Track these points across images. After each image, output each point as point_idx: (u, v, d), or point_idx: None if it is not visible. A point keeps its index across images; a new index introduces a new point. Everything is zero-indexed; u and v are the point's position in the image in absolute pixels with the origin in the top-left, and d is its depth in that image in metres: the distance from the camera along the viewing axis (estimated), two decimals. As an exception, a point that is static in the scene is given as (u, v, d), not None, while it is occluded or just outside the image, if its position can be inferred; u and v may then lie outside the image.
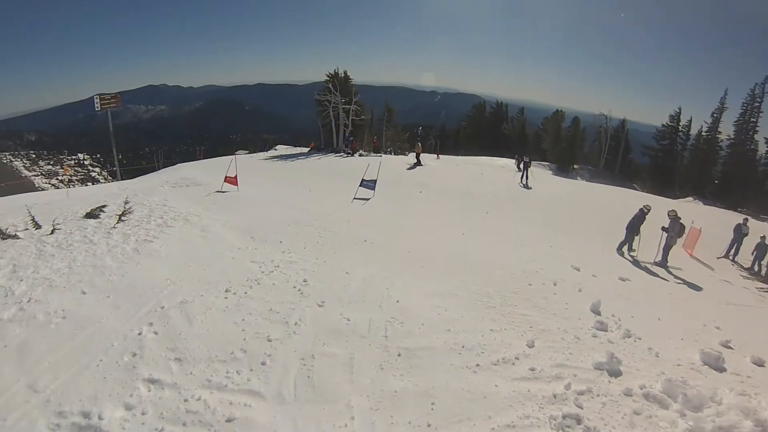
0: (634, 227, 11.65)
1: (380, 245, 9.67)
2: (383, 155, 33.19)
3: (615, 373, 4.98)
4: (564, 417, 4.17)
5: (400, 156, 35.00)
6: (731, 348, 6.05)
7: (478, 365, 5.06)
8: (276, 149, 38.33)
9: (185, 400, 4.32)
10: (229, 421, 4.09)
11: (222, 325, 5.67)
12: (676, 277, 10.39)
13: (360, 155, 32.02)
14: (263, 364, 4.92)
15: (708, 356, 5.42)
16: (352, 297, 6.67)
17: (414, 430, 4.09)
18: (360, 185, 15.84)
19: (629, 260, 11.21)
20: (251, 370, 4.82)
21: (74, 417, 4.04)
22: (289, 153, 34.08)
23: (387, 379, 4.79)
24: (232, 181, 15.43)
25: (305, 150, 36.18)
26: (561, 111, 51.49)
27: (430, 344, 5.43)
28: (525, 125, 56.79)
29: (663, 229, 11.54)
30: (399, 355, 5.20)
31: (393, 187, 18.01)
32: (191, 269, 7.48)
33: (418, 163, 27.23)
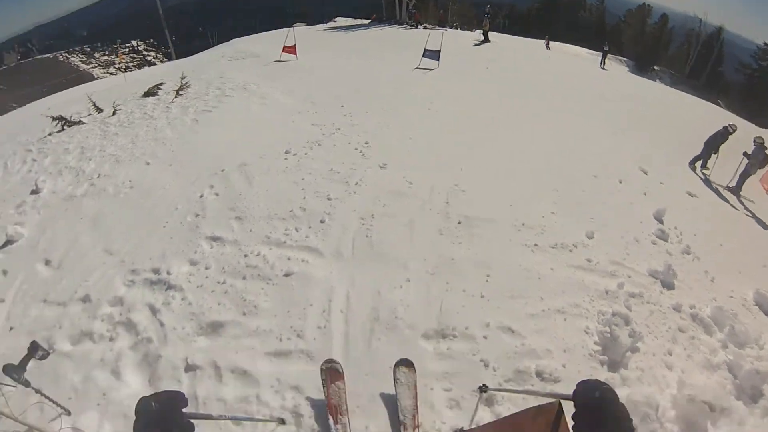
0: (713, 144, 10.52)
1: (445, 114, 9.17)
2: (448, 29, 31.02)
3: (668, 286, 4.82)
4: (613, 315, 4.09)
5: (466, 32, 32.70)
6: (785, 297, 5.59)
7: (536, 245, 4.93)
8: (335, 21, 36.41)
9: (245, 256, 4.50)
10: (287, 275, 4.26)
11: (281, 184, 5.74)
12: (746, 208, 9.38)
13: (424, 28, 29.97)
14: (322, 222, 4.99)
15: (762, 298, 5.07)
16: (414, 161, 6.50)
17: (467, 299, 4.12)
18: (423, 55, 14.62)
19: (700, 177, 10.19)
20: (310, 227, 4.91)
21: (146, 273, 4.41)
22: (349, 24, 32.38)
23: (445, 245, 4.78)
24: (290, 50, 14.66)
25: (366, 22, 34.26)
26: (648, 5, 45.66)
27: (491, 216, 5.31)
28: (604, 15, 51.19)
29: (745, 155, 10.35)
30: (459, 222, 5.13)
31: (458, 60, 16.63)
32: (250, 134, 7.50)
33: (486, 40, 25.37)
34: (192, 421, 1.44)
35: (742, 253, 6.18)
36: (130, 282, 4.33)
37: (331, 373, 3.27)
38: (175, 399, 1.39)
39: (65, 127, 8.97)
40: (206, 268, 4.39)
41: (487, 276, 4.39)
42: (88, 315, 4.01)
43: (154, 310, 4.00)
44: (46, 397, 2.94)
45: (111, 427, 3.11)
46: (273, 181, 5.84)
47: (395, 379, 3.27)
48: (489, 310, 4.03)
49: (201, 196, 5.59)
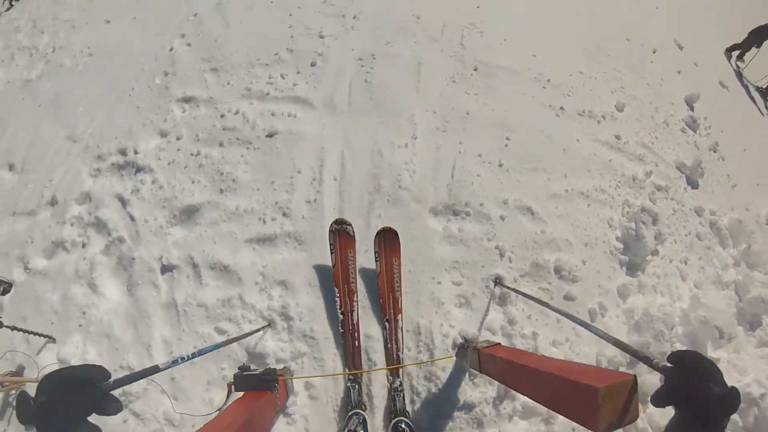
0: (759, 37, 8.84)
1: None
2: None
3: (693, 184, 4.30)
4: (642, 210, 3.46)
5: None
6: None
7: (562, 108, 4.06)
8: None
9: (222, 116, 3.67)
10: (270, 135, 3.50)
11: (265, 22, 4.64)
12: None
13: None
14: (313, 65, 4.04)
15: None
16: None
17: (484, 168, 3.39)
18: None
19: (734, 68, 8.69)
20: (298, 73, 3.98)
21: (113, 157, 3.62)
22: None
23: (459, 95, 3.91)
24: None
25: None
26: None
27: (512, 66, 4.34)
28: None
29: None
30: (476, 69, 4.18)
31: None
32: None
33: None
34: (114, 394, 0.98)
35: (762, 164, 5.45)
36: (96, 171, 3.57)
37: (342, 236, 2.72)
38: (71, 383, 0.93)
39: (13, 3, 7.29)
40: (178, 139, 3.58)
41: (507, 139, 3.59)
42: (58, 221, 3.34)
43: (123, 202, 3.30)
44: (27, 331, 2.63)
45: (94, 350, 2.75)
46: (255, 19, 4.68)
47: (376, 252, 2.77)
48: (507, 184, 3.33)
49: (170, 49, 4.51)
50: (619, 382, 1.26)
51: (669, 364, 1.04)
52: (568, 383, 1.44)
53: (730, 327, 3.22)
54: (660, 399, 1.02)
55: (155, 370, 1.28)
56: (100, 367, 0.98)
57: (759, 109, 8.04)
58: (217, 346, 1.97)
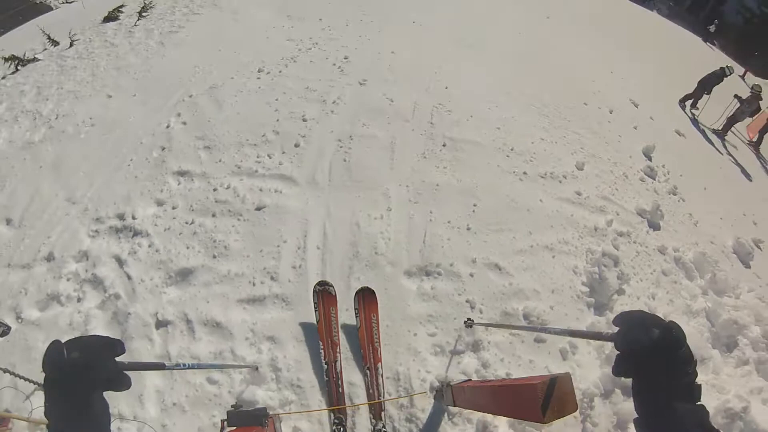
0: (707, 85, 9.73)
1: (430, 27, 8.19)
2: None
3: (654, 226, 4.62)
4: (603, 255, 3.81)
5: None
6: (760, 249, 5.25)
7: (525, 173, 4.51)
8: None
9: (214, 190, 4.02)
10: (259, 209, 3.83)
11: (254, 106, 5.13)
12: (729, 154, 8.88)
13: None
14: (297, 146, 4.49)
15: (741, 246, 4.91)
16: (397, 77, 5.82)
17: (452, 232, 3.75)
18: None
19: (689, 117, 9.49)
20: (283, 153, 4.42)
21: (111, 221, 3.92)
22: None
23: (429, 169, 4.35)
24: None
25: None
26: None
27: (477, 139, 4.84)
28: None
29: (737, 98, 9.66)
30: (444, 145, 4.67)
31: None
32: (221, 53, 6.64)
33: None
34: (127, 373, 0.98)
35: (724, 198, 5.94)
36: (94, 232, 3.84)
37: (324, 296, 3.01)
38: (101, 345, 0.94)
39: (19, 67, 7.87)
40: (173, 208, 3.91)
41: (474, 206, 3.99)
42: (54, 275, 3.54)
43: (120, 262, 3.55)
44: (17, 375, 2.69)
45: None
46: (244, 103, 5.19)
47: (355, 309, 3.06)
48: (475, 245, 3.67)
49: (167, 126, 4.96)
50: (553, 378, 1.50)
51: (615, 330, 1.03)
52: (516, 388, 1.73)
53: (702, 350, 3.42)
54: (617, 368, 0.99)
55: (161, 366, 1.45)
56: (120, 341, 0.98)
57: (717, 150, 8.62)
58: (212, 366, 2.44)
